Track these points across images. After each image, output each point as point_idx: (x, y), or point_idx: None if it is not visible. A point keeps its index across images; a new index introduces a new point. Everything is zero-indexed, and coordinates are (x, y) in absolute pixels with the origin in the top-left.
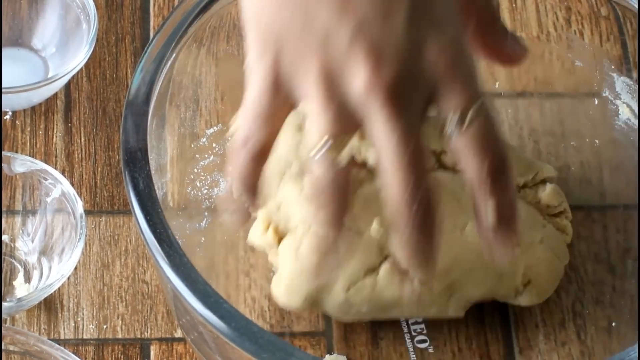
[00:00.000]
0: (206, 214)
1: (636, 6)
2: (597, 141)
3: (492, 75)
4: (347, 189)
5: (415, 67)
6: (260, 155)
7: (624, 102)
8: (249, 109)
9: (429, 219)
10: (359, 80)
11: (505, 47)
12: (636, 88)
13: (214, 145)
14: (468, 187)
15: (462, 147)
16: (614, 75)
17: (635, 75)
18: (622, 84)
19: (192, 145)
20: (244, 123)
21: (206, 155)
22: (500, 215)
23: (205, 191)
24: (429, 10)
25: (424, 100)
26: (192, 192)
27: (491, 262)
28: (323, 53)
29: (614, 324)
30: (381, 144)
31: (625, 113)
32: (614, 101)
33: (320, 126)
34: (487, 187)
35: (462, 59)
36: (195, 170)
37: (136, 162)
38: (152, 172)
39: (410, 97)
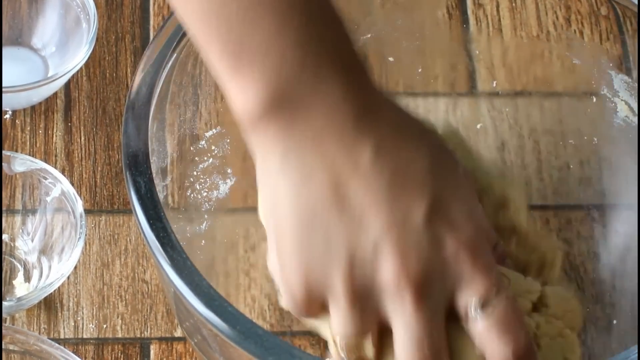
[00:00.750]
0: (206, 216)
1: (636, 5)
2: (595, 139)
3: (492, 75)
4: None
5: (437, 262)
6: None
7: (622, 100)
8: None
9: None
10: (387, 275)
11: None
12: (635, 86)
13: (213, 147)
14: None
15: (485, 332)
16: (612, 73)
17: (635, 74)
18: (620, 81)
19: (192, 148)
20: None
21: (205, 158)
22: None
23: (205, 194)
24: (446, 211)
25: (447, 293)
26: (192, 195)
27: None
28: (351, 261)
29: (614, 324)
30: (405, 335)
31: (623, 111)
32: (612, 99)
33: (342, 324)
34: None
35: (479, 253)
36: (195, 173)
37: (138, 165)
38: (153, 175)
39: (435, 290)
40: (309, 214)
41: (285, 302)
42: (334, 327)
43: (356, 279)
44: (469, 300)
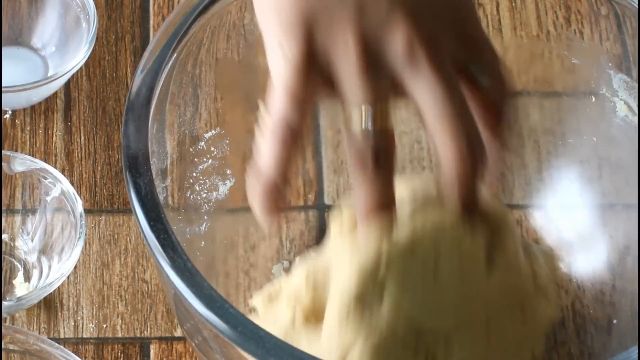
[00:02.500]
0: (206, 217)
1: (636, 5)
2: (594, 139)
3: None
4: (393, 159)
5: (447, 26)
6: (293, 139)
7: (621, 99)
8: (282, 89)
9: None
10: (400, 40)
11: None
12: (634, 85)
13: (212, 149)
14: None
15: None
16: (611, 72)
17: (635, 74)
18: (619, 81)
19: (191, 149)
20: (277, 103)
21: (205, 159)
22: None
23: (205, 195)
24: None
25: (454, 54)
26: (192, 197)
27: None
28: (360, 21)
29: (614, 323)
30: (429, 98)
31: (622, 110)
32: (611, 98)
33: (360, 94)
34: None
35: (480, 28)
36: (194, 174)
37: (138, 167)
38: (153, 177)
39: (447, 51)
40: None
41: (280, 80)
42: (351, 95)
43: (367, 34)
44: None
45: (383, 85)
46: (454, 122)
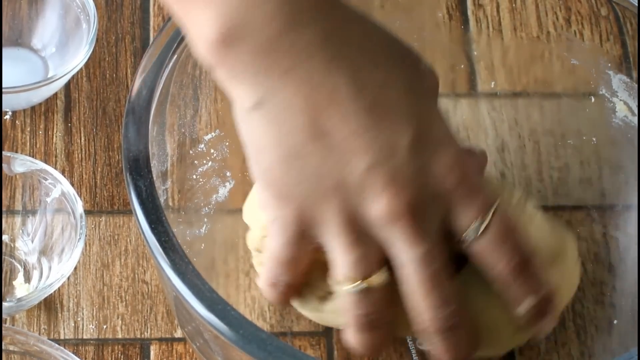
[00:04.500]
0: (205, 220)
1: (636, 6)
2: (594, 139)
3: (492, 75)
4: (388, 314)
5: (428, 187)
6: (290, 292)
7: (620, 100)
8: (274, 258)
9: (464, 335)
10: (380, 206)
11: None
12: (633, 86)
13: (212, 151)
14: (498, 284)
15: (484, 249)
16: (611, 73)
17: (635, 75)
18: (618, 81)
19: (191, 152)
20: (270, 270)
21: (204, 162)
22: (538, 309)
23: (205, 197)
24: (427, 135)
25: (441, 216)
26: (192, 199)
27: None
28: (341, 194)
29: (614, 324)
30: (406, 263)
31: (622, 111)
32: (610, 99)
33: (348, 268)
34: (519, 279)
35: (467, 172)
36: (194, 176)
37: (139, 169)
38: (154, 179)
39: (428, 215)
40: (291, 152)
41: (270, 252)
42: (341, 270)
43: (350, 212)
44: (463, 223)
45: (374, 253)
46: (430, 285)
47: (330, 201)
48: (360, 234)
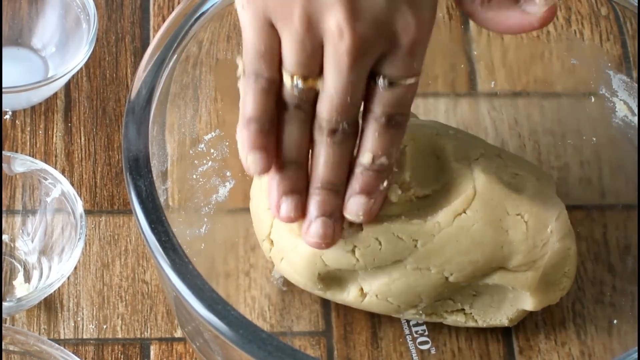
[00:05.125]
0: (205, 220)
1: (636, 6)
2: (594, 139)
3: (492, 75)
4: (307, 128)
5: (382, 30)
6: (270, 88)
7: (620, 100)
8: (252, 48)
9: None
10: (333, 23)
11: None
12: (633, 85)
13: (212, 151)
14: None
15: (379, 98)
16: (611, 73)
17: (635, 74)
18: (618, 81)
19: (191, 151)
20: (248, 61)
21: (204, 161)
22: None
23: (205, 197)
24: None
25: (376, 57)
26: (192, 199)
27: None
28: (306, 1)
29: (614, 324)
30: (334, 82)
31: (622, 110)
32: (610, 99)
33: (294, 62)
34: (381, 128)
35: (422, 41)
36: (194, 176)
37: (139, 169)
38: (154, 179)
39: (367, 52)
40: None
41: (248, 42)
42: (286, 55)
43: (310, 13)
44: (387, 71)
45: (317, 54)
46: (340, 105)
47: (297, 2)
48: (314, 30)
